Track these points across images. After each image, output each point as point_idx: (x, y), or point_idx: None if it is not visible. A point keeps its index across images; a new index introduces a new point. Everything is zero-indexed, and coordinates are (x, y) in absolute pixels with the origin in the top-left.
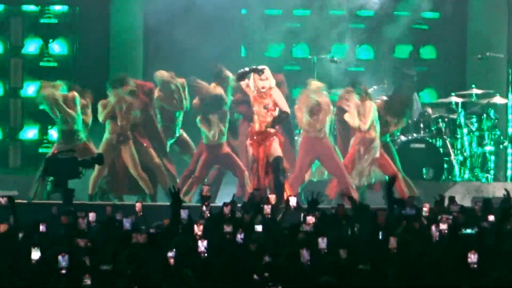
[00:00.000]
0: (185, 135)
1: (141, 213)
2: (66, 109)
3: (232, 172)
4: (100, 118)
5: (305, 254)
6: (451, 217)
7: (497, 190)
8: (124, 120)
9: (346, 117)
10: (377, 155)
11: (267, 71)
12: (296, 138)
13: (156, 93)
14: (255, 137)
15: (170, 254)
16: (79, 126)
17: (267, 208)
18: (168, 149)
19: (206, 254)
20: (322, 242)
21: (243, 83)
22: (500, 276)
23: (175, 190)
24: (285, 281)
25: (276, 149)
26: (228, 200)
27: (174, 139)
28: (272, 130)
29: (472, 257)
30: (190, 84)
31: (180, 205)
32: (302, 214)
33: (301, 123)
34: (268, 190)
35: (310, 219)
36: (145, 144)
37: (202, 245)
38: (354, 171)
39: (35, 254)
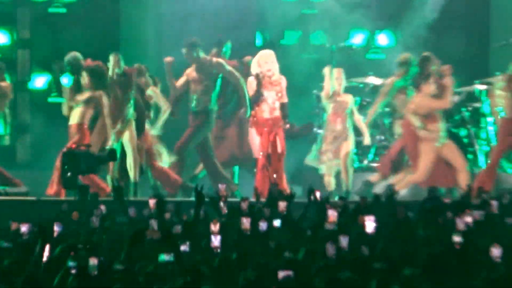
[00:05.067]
0: None
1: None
2: None
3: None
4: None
5: (330, 249)
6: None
7: None
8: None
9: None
10: None
11: (272, 56)
12: None
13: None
14: (264, 126)
15: (183, 248)
16: None
17: (282, 205)
18: None
19: (219, 250)
20: (344, 241)
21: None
22: None
23: (199, 188)
24: (305, 276)
25: (283, 137)
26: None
27: None
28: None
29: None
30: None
31: (203, 203)
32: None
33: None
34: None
35: (332, 214)
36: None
37: (216, 240)
38: None
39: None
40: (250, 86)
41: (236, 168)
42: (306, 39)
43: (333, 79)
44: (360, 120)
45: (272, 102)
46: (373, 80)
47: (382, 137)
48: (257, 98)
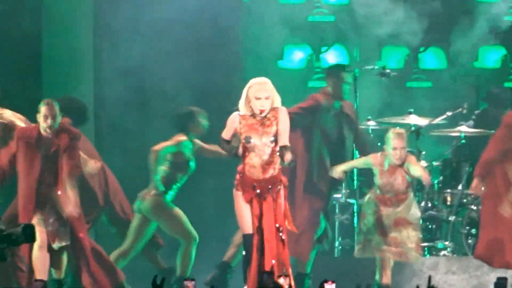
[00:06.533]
0: None
1: None
2: None
3: None
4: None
5: None
6: None
7: None
8: None
9: None
10: None
11: (268, 85)
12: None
13: None
14: (254, 188)
15: None
16: None
17: None
18: None
19: None
20: None
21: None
22: None
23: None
24: None
25: (282, 207)
26: None
27: None
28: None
29: None
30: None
31: None
32: None
33: None
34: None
35: None
36: None
37: None
38: None
39: None
40: (231, 125)
41: None
42: (315, 59)
43: (390, 147)
44: None
45: (267, 153)
46: (416, 120)
47: (429, 204)
48: (245, 147)
